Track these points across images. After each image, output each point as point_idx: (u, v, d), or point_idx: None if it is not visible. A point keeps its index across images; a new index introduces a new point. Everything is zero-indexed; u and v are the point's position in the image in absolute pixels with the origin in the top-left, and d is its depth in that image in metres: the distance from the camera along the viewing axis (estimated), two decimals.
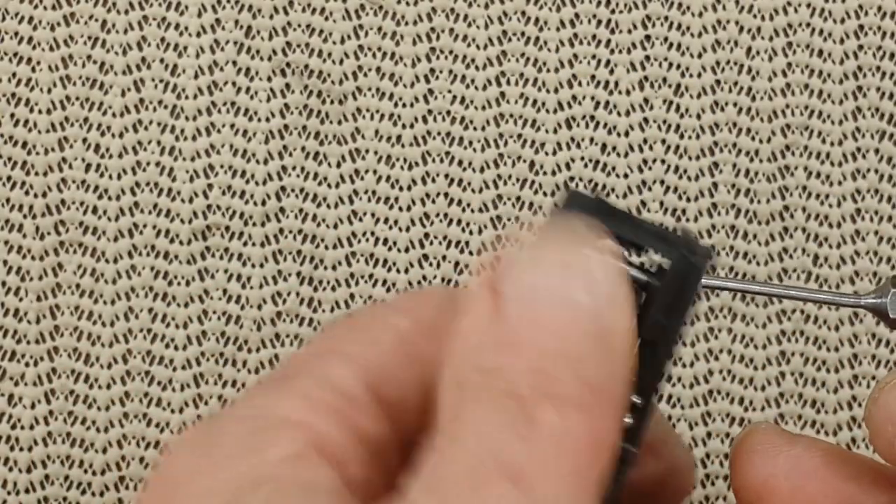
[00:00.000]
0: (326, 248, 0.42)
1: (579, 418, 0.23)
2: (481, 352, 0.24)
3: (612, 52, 0.43)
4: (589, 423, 0.23)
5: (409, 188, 0.42)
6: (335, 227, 0.42)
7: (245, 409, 0.26)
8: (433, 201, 0.42)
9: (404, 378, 0.26)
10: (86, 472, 0.42)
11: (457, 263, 0.42)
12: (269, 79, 0.43)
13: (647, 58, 0.43)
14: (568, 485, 0.23)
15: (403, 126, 0.43)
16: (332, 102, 0.43)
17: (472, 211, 0.42)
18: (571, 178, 0.43)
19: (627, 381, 0.24)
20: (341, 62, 0.43)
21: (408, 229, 0.42)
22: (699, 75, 0.43)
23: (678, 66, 0.43)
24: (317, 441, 0.25)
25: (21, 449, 0.42)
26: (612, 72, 0.43)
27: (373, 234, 0.42)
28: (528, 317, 0.23)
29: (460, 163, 0.42)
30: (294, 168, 0.42)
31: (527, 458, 0.23)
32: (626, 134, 0.43)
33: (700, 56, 0.43)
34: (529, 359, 0.23)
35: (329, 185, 0.42)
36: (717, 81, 0.43)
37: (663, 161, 0.43)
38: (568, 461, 0.23)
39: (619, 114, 0.43)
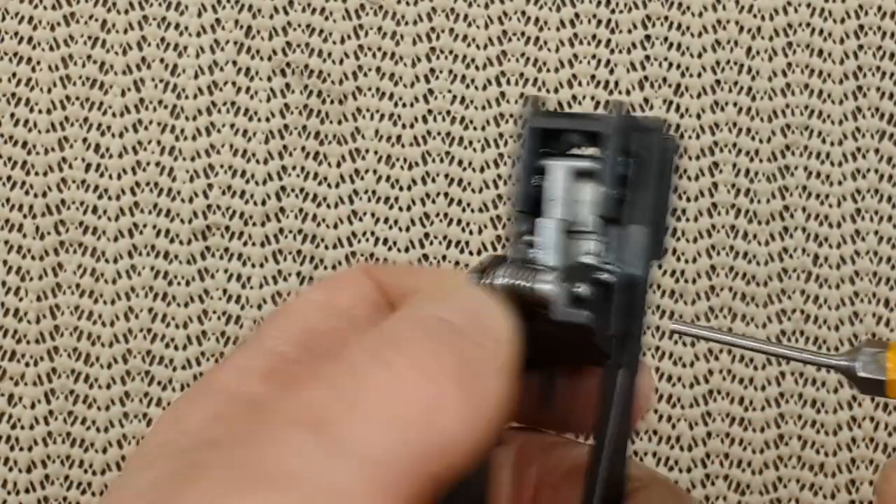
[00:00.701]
0: (326, 248, 0.42)
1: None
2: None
3: (612, 52, 0.43)
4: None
5: (409, 188, 0.42)
6: (335, 227, 0.42)
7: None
8: (433, 201, 0.42)
9: (330, 331, 0.27)
10: (86, 472, 0.42)
11: (457, 263, 0.42)
12: (269, 79, 0.43)
13: (647, 58, 0.43)
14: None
15: (403, 126, 0.43)
16: (332, 102, 0.43)
17: (472, 211, 0.42)
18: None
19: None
20: (341, 62, 0.43)
21: (408, 229, 0.42)
22: (699, 75, 0.43)
23: (678, 66, 0.43)
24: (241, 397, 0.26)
25: (21, 449, 0.42)
26: (612, 72, 0.43)
27: (373, 234, 0.42)
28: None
29: (460, 163, 0.42)
30: (294, 168, 0.42)
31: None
32: None
33: (700, 56, 0.43)
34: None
35: (329, 185, 0.42)
36: (717, 81, 0.43)
37: None
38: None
39: None
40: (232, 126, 0.42)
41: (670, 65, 0.43)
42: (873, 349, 0.30)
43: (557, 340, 0.27)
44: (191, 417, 0.25)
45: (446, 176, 0.42)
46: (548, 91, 0.43)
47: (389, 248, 0.42)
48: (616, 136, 0.27)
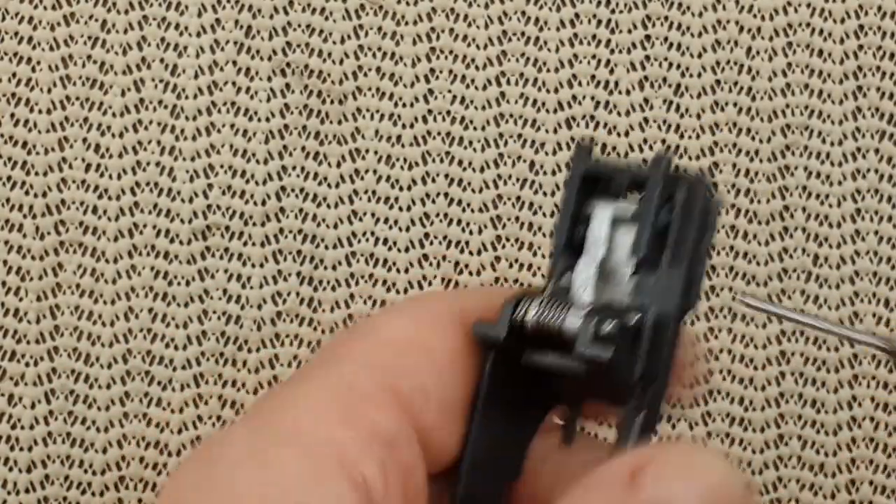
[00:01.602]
0: (326, 248, 0.42)
1: None
2: None
3: (612, 51, 0.43)
4: None
5: (409, 188, 0.42)
6: (335, 227, 0.42)
7: (253, 419, 0.26)
8: (433, 201, 0.42)
9: (417, 375, 0.27)
10: (86, 472, 0.42)
11: (457, 263, 0.42)
12: (269, 79, 0.43)
13: (647, 58, 0.43)
14: None
15: (403, 126, 0.43)
16: (332, 102, 0.43)
17: (472, 211, 0.42)
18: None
19: None
20: (341, 62, 0.43)
21: (408, 229, 0.42)
22: (699, 75, 0.43)
23: (678, 66, 0.43)
24: (333, 452, 0.26)
25: (21, 449, 0.42)
26: (612, 72, 0.43)
27: (373, 234, 0.42)
28: None
29: (460, 163, 0.42)
30: (294, 168, 0.42)
31: None
32: (627, 134, 0.43)
33: (700, 56, 0.43)
34: None
35: (329, 185, 0.42)
36: (717, 81, 0.43)
37: None
38: None
39: (619, 114, 0.43)
40: (232, 126, 0.42)
41: (670, 65, 0.43)
42: None
43: (583, 381, 0.28)
44: None
45: (446, 176, 0.42)
46: (548, 91, 0.43)
47: (389, 248, 0.42)
48: (660, 184, 0.28)
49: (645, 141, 0.43)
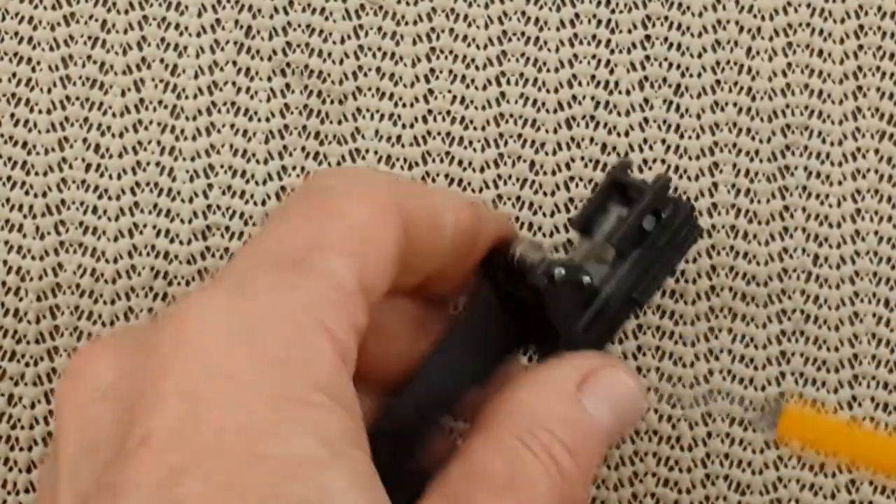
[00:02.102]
0: None
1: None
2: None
3: (612, 52, 0.43)
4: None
5: None
6: None
7: (275, 301, 0.29)
8: None
9: (380, 272, 0.32)
10: None
11: None
12: (270, 79, 0.43)
13: (647, 58, 0.43)
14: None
15: (403, 126, 0.43)
16: (332, 102, 0.43)
17: None
18: (571, 178, 0.43)
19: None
20: (341, 62, 0.43)
21: None
22: (699, 75, 0.43)
23: (678, 66, 0.43)
24: (341, 352, 0.30)
25: (21, 449, 0.42)
26: (612, 72, 0.43)
27: None
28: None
29: (460, 163, 0.42)
30: (294, 168, 0.42)
31: None
32: (626, 134, 0.43)
33: (700, 56, 0.43)
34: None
35: None
36: (717, 81, 0.43)
37: (663, 161, 0.43)
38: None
39: (619, 114, 0.43)
40: (232, 126, 0.42)
41: (670, 65, 0.43)
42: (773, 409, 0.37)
43: (540, 319, 0.36)
44: None
45: (446, 176, 0.42)
46: (548, 91, 0.43)
47: None
48: (649, 196, 0.37)
49: (645, 141, 0.43)
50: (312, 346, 0.29)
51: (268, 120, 0.42)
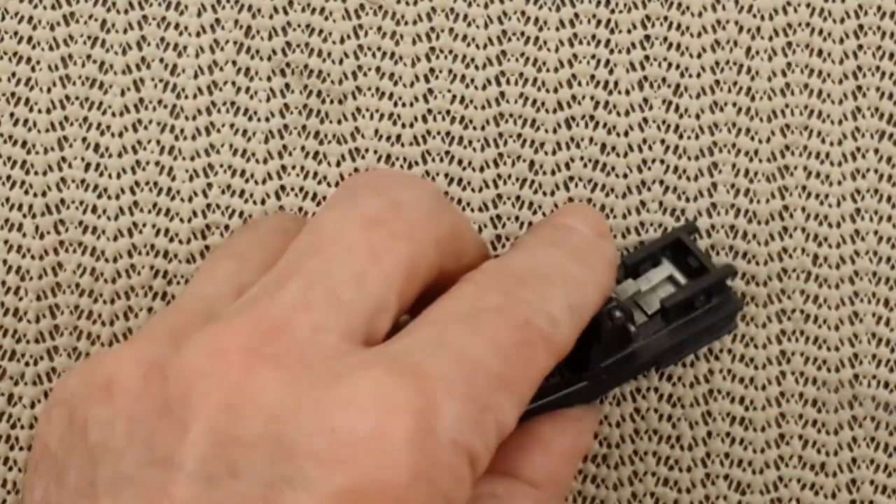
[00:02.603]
0: None
1: None
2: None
3: (611, 52, 0.43)
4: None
5: None
6: None
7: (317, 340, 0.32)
8: None
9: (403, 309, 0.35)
10: None
11: None
12: (269, 78, 0.43)
13: (647, 58, 0.43)
14: None
15: (403, 125, 0.43)
16: (331, 102, 0.43)
17: (472, 210, 0.42)
18: (571, 178, 0.43)
19: None
20: (341, 62, 0.43)
21: None
22: (698, 75, 0.43)
23: (677, 66, 0.43)
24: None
25: (21, 448, 0.42)
26: (611, 72, 0.43)
27: None
28: None
29: (460, 162, 0.42)
30: (294, 167, 0.42)
31: None
32: (626, 134, 0.43)
33: (699, 56, 0.43)
34: None
35: (329, 185, 0.42)
36: (717, 81, 0.43)
37: (662, 161, 0.43)
38: None
39: (618, 114, 0.43)
40: (231, 126, 0.42)
41: (669, 65, 0.43)
42: None
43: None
44: None
45: (446, 175, 0.42)
46: (547, 91, 0.43)
47: None
48: (712, 282, 0.40)
49: (644, 141, 0.43)
50: None
51: (267, 119, 0.42)
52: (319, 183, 0.42)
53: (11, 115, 0.42)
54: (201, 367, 0.31)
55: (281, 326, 0.32)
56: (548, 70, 0.43)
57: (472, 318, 0.33)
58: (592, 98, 0.43)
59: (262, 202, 0.42)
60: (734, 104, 0.43)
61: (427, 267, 0.34)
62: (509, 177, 0.43)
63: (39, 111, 0.42)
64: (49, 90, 0.42)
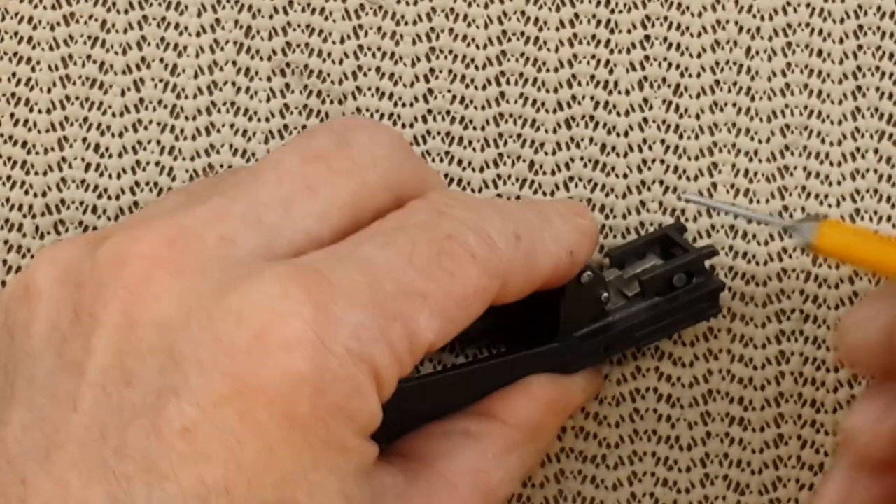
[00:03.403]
0: None
1: None
2: None
3: (611, 52, 0.43)
4: None
5: None
6: None
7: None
8: None
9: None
10: None
11: None
12: (269, 79, 0.43)
13: (647, 58, 0.43)
14: None
15: (403, 125, 0.43)
16: (331, 102, 0.43)
17: None
18: (571, 178, 0.43)
19: None
20: (341, 62, 0.43)
21: None
22: (698, 75, 0.43)
23: (677, 67, 0.43)
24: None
25: None
26: (611, 72, 0.43)
27: None
28: None
29: (460, 162, 0.43)
30: None
31: None
32: (626, 134, 0.43)
33: (699, 56, 0.43)
34: None
35: None
36: (717, 81, 0.43)
37: (662, 161, 0.43)
38: None
39: (618, 114, 0.43)
40: (232, 126, 0.42)
41: (669, 65, 0.43)
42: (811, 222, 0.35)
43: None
44: None
45: (446, 175, 0.42)
46: (547, 91, 0.43)
47: None
48: (691, 257, 0.40)
49: (644, 141, 0.43)
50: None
51: (267, 120, 0.42)
52: None
53: (12, 115, 0.42)
54: (105, 273, 0.32)
55: (188, 235, 0.32)
56: (548, 70, 0.43)
57: (389, 233, 0.33)
58: (592, 98, 0.43)
59: None
60: (734, 104, 0.43)
61: (374, 207, 0.34)
62: (509, 177, 0.43)
63: (40, 111, 0.42)
64: (49, 90, 0.42)
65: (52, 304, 0.32)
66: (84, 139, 0.42)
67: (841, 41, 0.43)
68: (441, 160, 0.42)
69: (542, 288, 0.36)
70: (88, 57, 0.42)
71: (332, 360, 0.30)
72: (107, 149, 0.42)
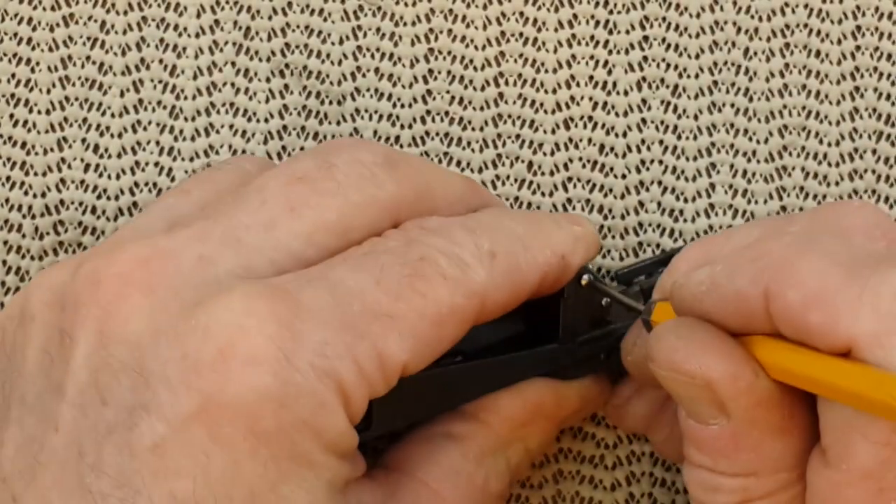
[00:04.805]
0: None
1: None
2: None
3: (610, 52, 0.43)
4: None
5: None
6: None
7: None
8: None
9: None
10: None
11: None
12: (268, 80, 0.43)
13: (645, 59, 0.43)
14: None
15: (402, 127, 0.43)
16: (330, 103, 0.43)
17: None
18: (570, 179, 0.43)
19: None
20: (340, 63, 0.43)
21: None
22: (697, 76, 0.43)
23: (676, 67, 0.43)
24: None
25: None
26: (609, 73, 0.43)
27: None
28: None
29: (459, 163, 0.43)
30: None
31: None
32: (624, 135, 0.43)
33: (698, 57, 0.43)
34: None
35: None
36: (715, 82, 0.43)
37: (661, 162, 0.43)
38: None
39: (616, 114, 0.43)
40: (231, 127, 0.43)
41: (668, 66, 0.43)
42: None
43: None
44: None
45: None
46: (546, 92, 0.43)
47: None
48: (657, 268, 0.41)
49: (642, 141, 0.43)
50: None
51: (266, 121, 0.43)
52: None
53: (11, 116, 0.42)
54: (83, 294, 0.32)
55: (164, 255, 0.32)
56: (546, 71, 0.43)
57: (359, 258, 0.34)
58: (591, 99, 0.43)
59: None
60: (732, 105, 0.43)
61: (365, 225, 0.35)
62: (508, 178, 0.43)
63: (39, 112, 0.42)
64: (49, 91, 0.42)
65: (42, 328, 0.33)
66: (83, 140, 0.42)
67: (839, 42, 0.43)
68: (440, 161, 0.43)
69: (536, 294, 0.37)
70: (88, 58, 0.43)
71: (295, 375, 0.31)
72: (106, 150, 0.42)
